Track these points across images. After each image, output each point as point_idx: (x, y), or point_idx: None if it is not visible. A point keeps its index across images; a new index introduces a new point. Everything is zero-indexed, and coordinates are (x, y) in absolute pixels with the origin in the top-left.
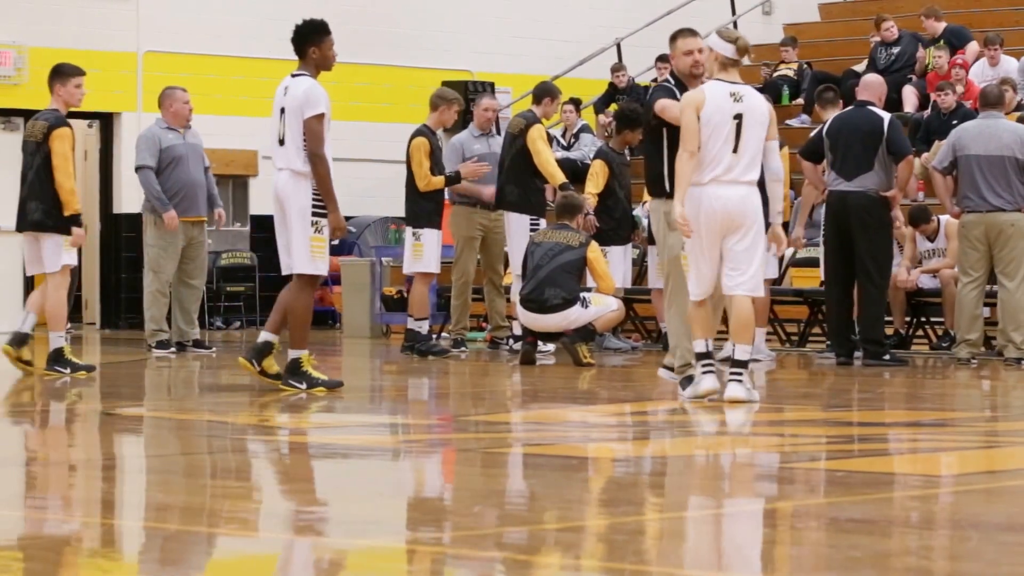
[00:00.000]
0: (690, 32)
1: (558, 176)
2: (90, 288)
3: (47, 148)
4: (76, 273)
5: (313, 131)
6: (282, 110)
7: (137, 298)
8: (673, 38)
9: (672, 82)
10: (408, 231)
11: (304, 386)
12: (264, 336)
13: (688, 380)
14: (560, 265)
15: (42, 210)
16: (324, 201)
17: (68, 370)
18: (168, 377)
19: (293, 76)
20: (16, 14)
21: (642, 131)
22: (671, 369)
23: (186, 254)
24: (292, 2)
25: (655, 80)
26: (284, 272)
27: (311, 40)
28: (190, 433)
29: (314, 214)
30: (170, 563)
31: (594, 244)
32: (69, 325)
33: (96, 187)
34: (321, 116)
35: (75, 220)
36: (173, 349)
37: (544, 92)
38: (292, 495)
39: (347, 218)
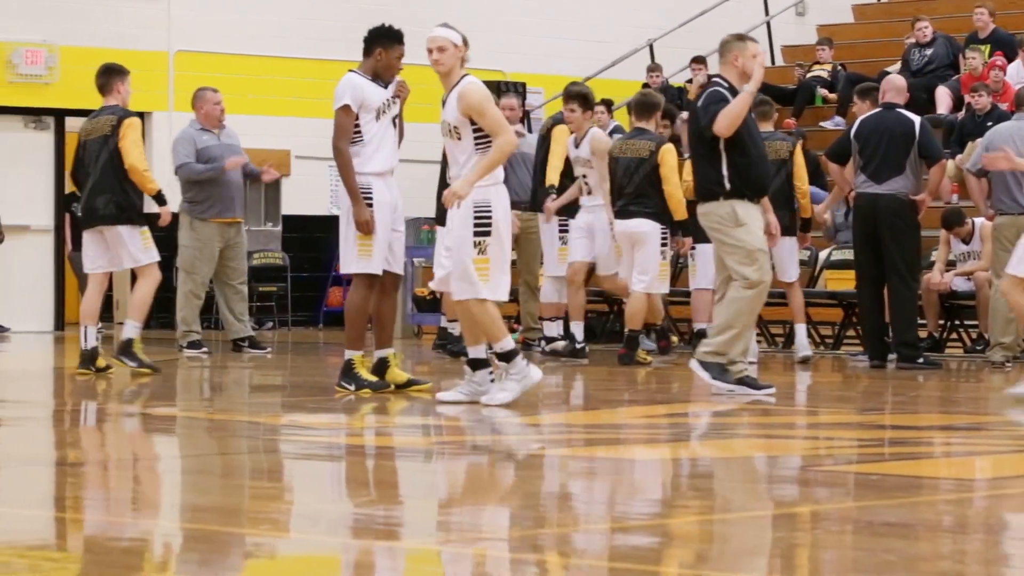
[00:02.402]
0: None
1: (550, 176)
2: (121, 288)
3: (116, 140)
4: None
5: (335, 123)
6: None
7: (168, 298)
8: (741, 39)
9: (725, 85)
10: (439, 231)
11: (352, 388)
12: (376, 354)
13: (720, 367)
14: (641, 180)
15: (115, 203)
16: (349, 194)
17: (136, 364)
18: (199, 377)
19: (350, 71)
20: (47, 14)
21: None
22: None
23: (224, 255)
24: (324, 1)
25: (689, 81)
26: (343, 271)
27: (380, 43)
28: (223, 433)
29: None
30: (203, 564)
31: (668, 146)
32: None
33: None
34: (345, 108)
35: (160, 199)
36: (206, 349)
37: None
38: (323, 496)
39: None
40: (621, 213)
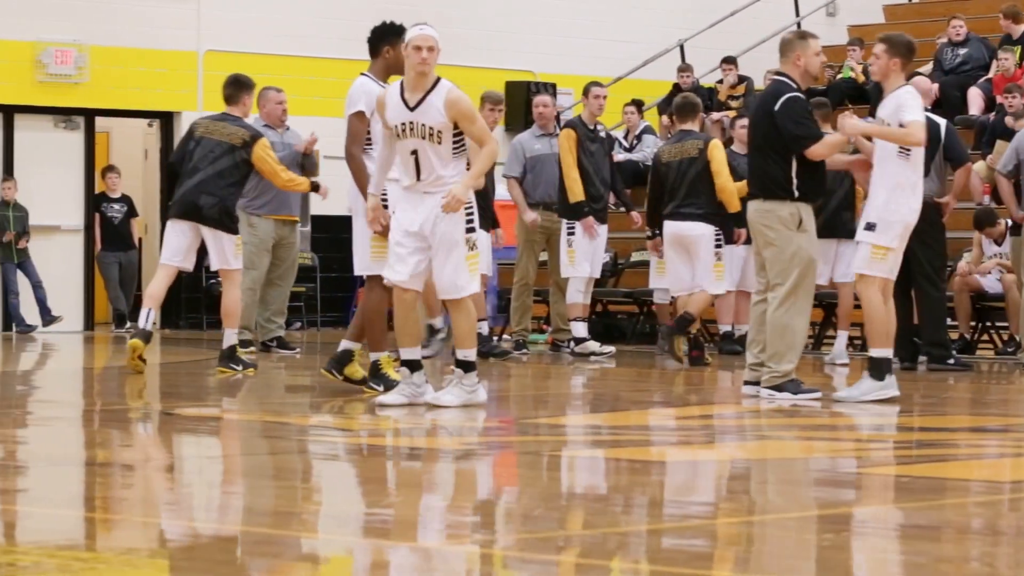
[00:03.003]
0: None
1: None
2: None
3: (243, 155)
4: (139, 271)
5: (349, 128)
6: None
7: (198, 297)
8: (803, 36)
9: (793, 85)
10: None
11: (381, 388)
12: (343, 344)
13: (794, 383)
14: (693, 179)
15: (221, 208)
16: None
17: (240, 367)
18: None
19: (361, 75)
20: (77, 13)
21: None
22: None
23: (276, 254)
24: (353, 2)
25: (720, 81)
26: (357, 272)
27: (387, 40)
28: (251, 434)
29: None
30: (229, 564)
31: (715, 142)
32: (129, 324)
33: (156, 187)
34: (360, 114)
35: (315, 186)
36: (254, 348)
37: (584, 91)
38: (352, 497)
39: None
40: (673, 215)
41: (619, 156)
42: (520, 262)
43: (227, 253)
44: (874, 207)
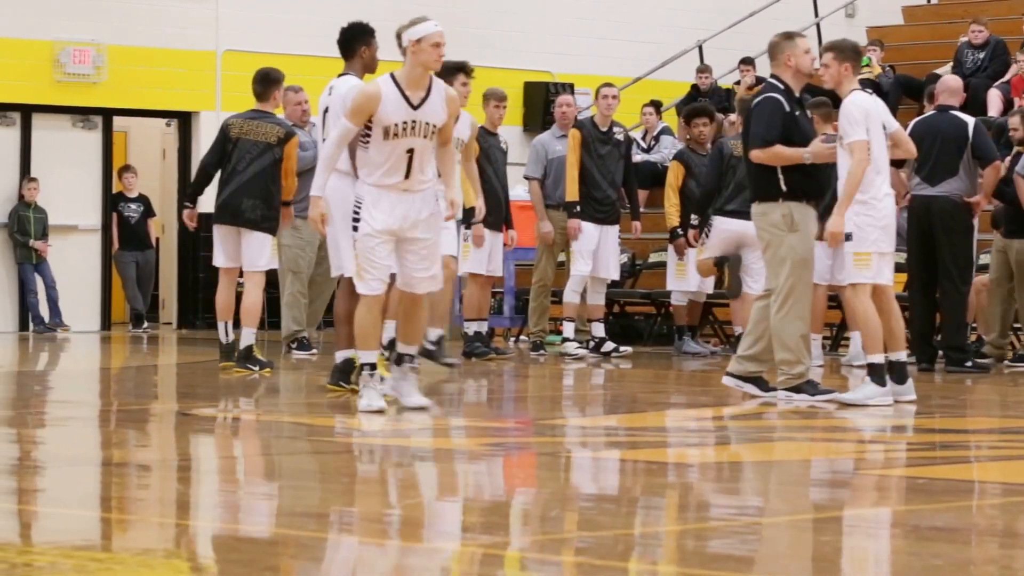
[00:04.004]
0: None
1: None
2: (167, 288)
3: (279, 152)
4: (156, 271)
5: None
6: (326, 110)
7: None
8: (790, 37)
9: (781, 87)
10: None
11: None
12: (340, 355)
13: (811, 384)
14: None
15: (262, 210)
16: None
17: (257, 367)
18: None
19: (339, 76)
20: (96, 13)
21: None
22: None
23: (320, 255)
24: (371, 2)
25: (738, 82)
26: (333, 273)
27: (361, 40)
28: (267, 434)
29: (357, 217)
30: (246, 565)
31: None
32: (146, 324)
33: (174, 186)
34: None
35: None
36: (314, 351)
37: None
38: (367, 497)
39: None
40: (736, 214)
41: (637, 157)
42: (539, 263)
43: (259, 254)
44: (850, 214)
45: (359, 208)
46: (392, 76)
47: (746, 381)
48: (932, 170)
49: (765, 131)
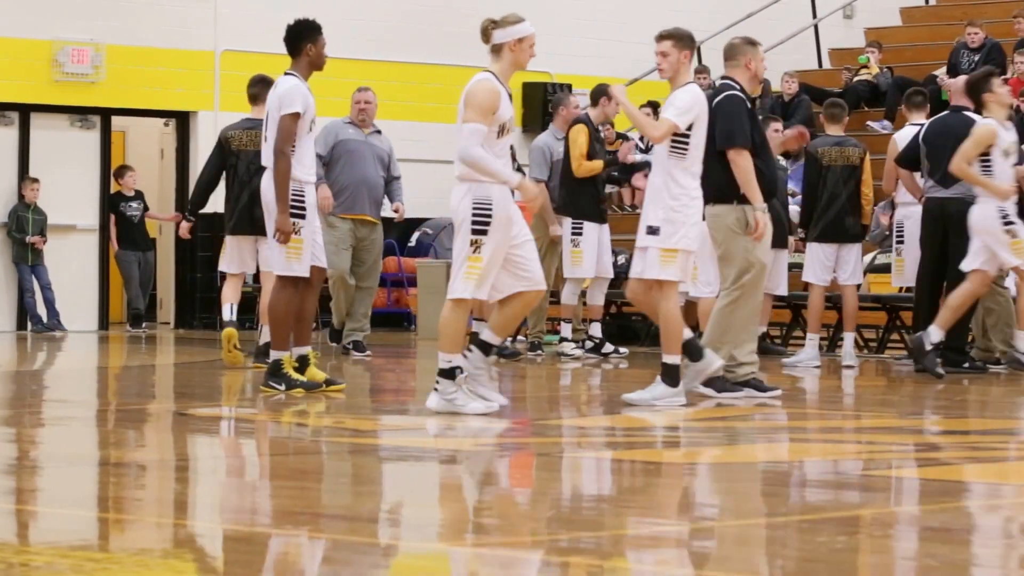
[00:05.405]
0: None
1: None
2: (165, 288)
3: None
4: (154, 271)
5: (282, 128)
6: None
7: (212, 298)
8: (752, 43)
9: (737, 87)
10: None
11: (283, 387)
12: (295, 352)
13: (721, 380)
14: (854, 190)
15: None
16: (278, 201)
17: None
18: (244, 377)
19: (284, 75)
20: (94, 12)
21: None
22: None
23: (357, 256)
24: (370, 2)
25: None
26: (263, 269)
27: (307, 37)
28: (265, 434)
29: (292, 215)
30: (246, 565)
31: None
32: (145, 324)
33: (172, 186)
34: (296, 115)
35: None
36: (369, 353)
37: (600, 93)
38: (364, 497)
39: (423, 220)
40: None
41: (635, 157)
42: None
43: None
44: (661, 208)
45: (489, 209)
46: (491, 74)
47: (739, 386)
48: (946, 172)
49: (741, 130)
